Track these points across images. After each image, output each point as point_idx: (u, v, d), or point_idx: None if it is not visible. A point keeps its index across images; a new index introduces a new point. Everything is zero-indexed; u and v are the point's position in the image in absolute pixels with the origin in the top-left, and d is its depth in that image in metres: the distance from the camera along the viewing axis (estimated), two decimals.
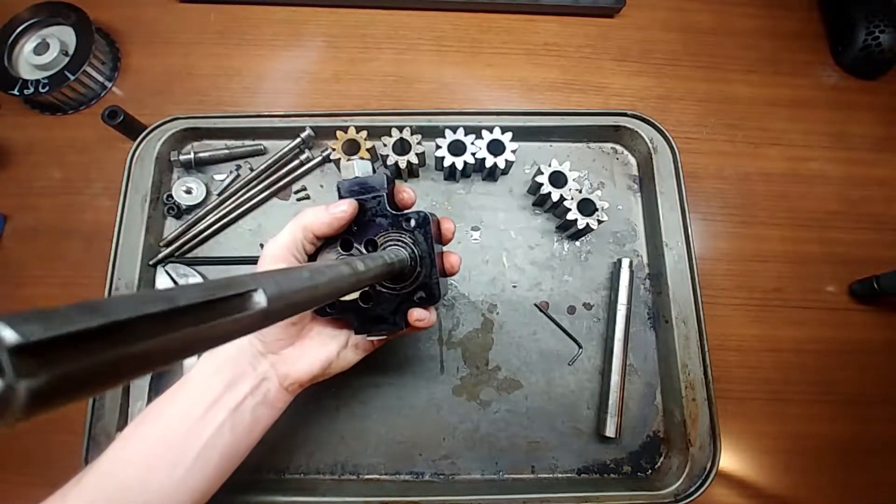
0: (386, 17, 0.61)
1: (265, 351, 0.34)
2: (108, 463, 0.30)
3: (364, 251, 0.34)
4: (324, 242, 0.34)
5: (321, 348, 0.35)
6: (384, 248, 0.33)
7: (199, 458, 0.31)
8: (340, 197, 0.34)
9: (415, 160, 0.49)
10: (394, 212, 0.33)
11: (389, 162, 0.48)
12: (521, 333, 0.49)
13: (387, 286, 0.33)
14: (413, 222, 0.33)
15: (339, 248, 0.34)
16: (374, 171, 0.35)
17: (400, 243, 0.33)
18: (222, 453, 0.32)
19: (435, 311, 0.36)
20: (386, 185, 0.34)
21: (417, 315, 0.34)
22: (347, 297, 0.33)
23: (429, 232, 0.33)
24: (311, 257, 0.34)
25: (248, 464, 0.47)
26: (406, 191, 0.36)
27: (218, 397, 0.32)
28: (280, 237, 0.33)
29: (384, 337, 0.35)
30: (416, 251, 0.33)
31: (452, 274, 0.37)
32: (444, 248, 0.37)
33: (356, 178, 0.34)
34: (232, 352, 0.33)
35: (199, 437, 0.31)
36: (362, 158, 0.35)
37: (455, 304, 0.50)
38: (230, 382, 0.32)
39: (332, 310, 0.34)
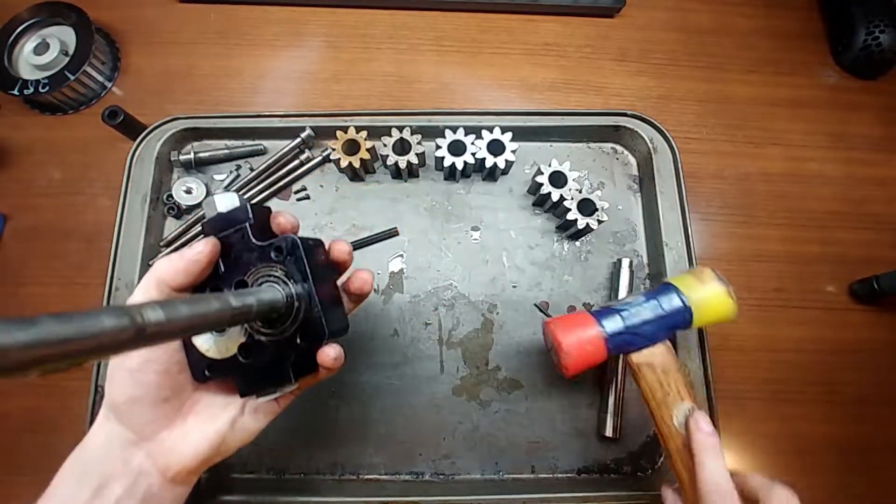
0: (386, 17, 0.61)
1: (137, 439, 0.28)
2: None
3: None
4: (192, 291, 0.29)
5: (208, 423, 0.29)
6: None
7: None
8: (205, 236, 0.29)
9: (415, 160, 0.49)
10: (259, 242, 0.28)
11: (389, 162, 0.49)
12: (521, 333, 0.49)
13: (265, 332, 0.28)
14: (278, 252, 0.28)
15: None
16: (241, 202, 0.30)
17: (272, 279, 0.28)
18: None
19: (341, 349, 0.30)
20: (249, 215, 0.29)
21: (322, 356, 0.28)
22: (222, 355, 0.28)
23: (300, 258, 0.27)
24: None
25: (247, 464, 0.47)
26: (283, 215, 0.30)
27: None
28: (134, 297, 0.28)
29: (277, 396, 0.29)
30: (290, 286, 0.27)
31: (362, 295, 0.32)
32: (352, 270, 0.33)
33: (219, 214, 0.30)
34: (96, 450, 0.28)
35: None
36: (227, 190, 0.30)
37: (455, 304, 0.50)
38: (98, 488, 0.26)
39: (211, 373, 0.28)
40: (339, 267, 0.32)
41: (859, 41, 0.58)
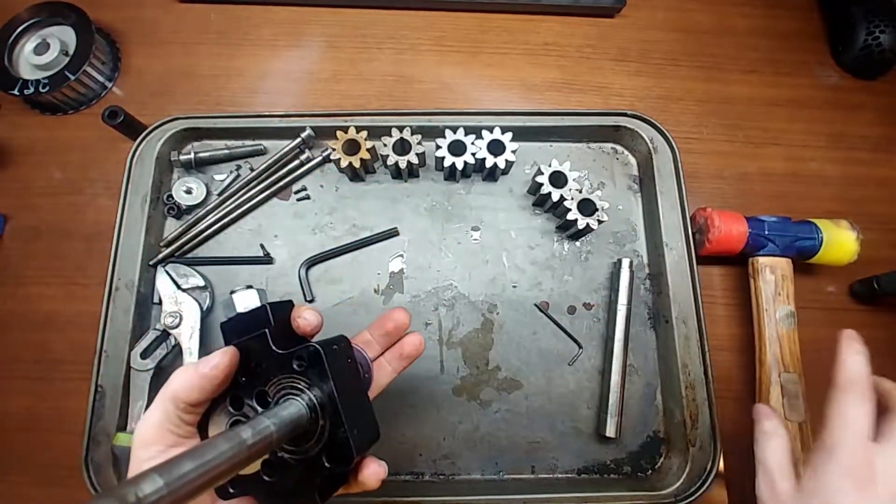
0: (386, 17, 0.61)
1: None
2: None
3: (256, 407, 0.27)
4: (211, 403, 0.27)
5: None
6: (277, 402, 0.26)
7: None
8: (225, 340, 0.28)
9: (415, 160, 0.49)
10: (280, 351, 0.26)
11: (389, 162, 0.49)
12: (521, 333, 0.49)
13: (288, 449, 0.26)
14: (300, 363, 0.26)
15: (229, 408, 0.27)
16: (262, 301, 0.29)
17: (293, 391, 0.26)
18: None
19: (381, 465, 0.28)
20: (270, 318, 0.28)
21: (365, 477, 0.27)
22: (247, 470, 0.25)
23: (325, 371, 0.25)
24: (202, 424, 0.28)
25: None
26: (303, 315, 0.29)
27: None
28: (149, 415, 0.26)
29: None
30: (314, 399, 0.25)
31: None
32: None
33: (238, 314, 0.29)
34: None
35: None
36: (249, 287, 0.29)
37: (455, 304, 0.50)
38: None
39: (234, 489, 0.27)
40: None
41: (859, 41, 0.58)
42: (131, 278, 0.47)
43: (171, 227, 0.51)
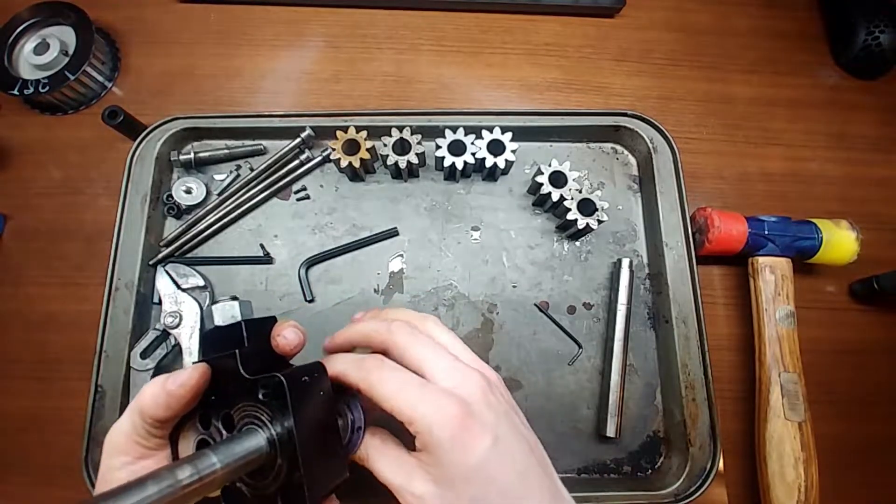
0: (386, 17, 0.61)
1: None
2: None
3: (222, 430, 0.25)
4: (183, 417, 0.26)
5: None
6: (240, 429, 0.24)
7: None
8: (202, 351, 0.28)
9: (415, 160, 0.49)
10: (247, 376, 0.24)
11: (389, 162, 0.48)
12: (521, 333, 0.49)
13: (245, 481, 0.25)
14: (265, 392, 0.24)
15: (198, 425, 0.26)
16: (242, 315, 0.27)
17: (256, 422, 0.24)
18: None
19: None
20: (244, 338, 0.26)
21: None
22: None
23: (287, 406, 0.23)
24: (174, 435, 0.27)
25: None
26: (283, 334, 0.27)
27: None
28: (120, 424, 0.26)
29: None
30: (273, 432, 0.23)
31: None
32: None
33: (216, 327, 0.27)
34: None
35: None
36: (234, 299, 0.27)
37: (455, 304, 0.50)
38: None
39: None
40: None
41: (859, 41, 0.58)
42: (131, 278, 0.47)
43: (171, 226, 0.51)
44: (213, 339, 0.27)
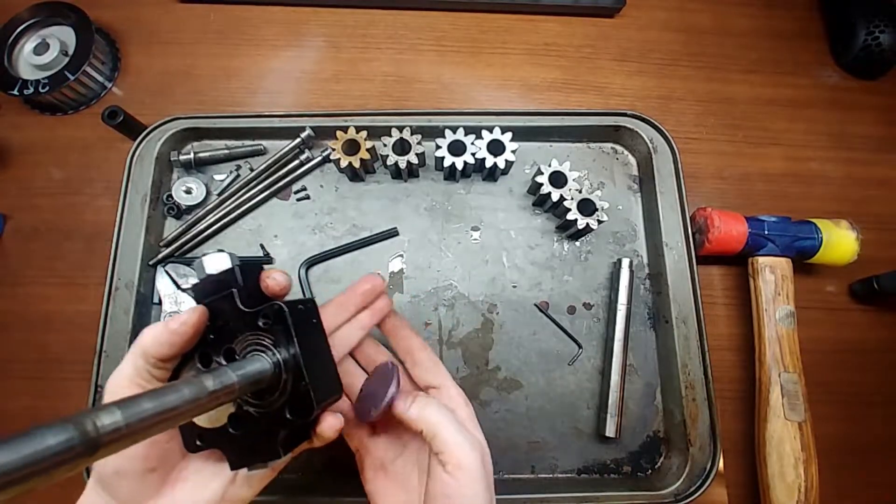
0: (386, 17, 0.61)
1: None
2: None
3: (224, 364, 0.27)
4: (182, 360, 0.28)
5: (199, 491, 0.28)
6: (244, 357, 0.27)
7: None
8: (196, 301, 0.29)
9: (415, 160, 0.49)
10: (247, 309, 0.27)
11: (389, 162, 0.48)
12: (521, 333, 0.49)
13: (252, 403, 0.27)
14: (265, 320, 0.27)
15: (198, 364, 0.28)
16: (233, 263, 0.29)
17: (259, 348, 0.27)
18: None
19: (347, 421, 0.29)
20: (238, 279, 0.28)
21: (323, 430, 0.28)
22: (213, 424, 0.27)
23: (289, 328, 0.26)
24: (173, 380, 0.28)
25: None
26: (272, 276, 0.30)
27: None
28: (121, 369, 0.27)
29: (267, 469, 0.28)
30: (278, 355, 0.26)
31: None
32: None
33: (209, 276, 0.29)
34: None
35: None
36: (221, 251, 0.30)
37: (455, 304, 0.50)
38: None
39: (202, 442, 0.28)
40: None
41: (859, 41, 0.58)
42: (131, 278, 0.47)
43: (171, 226, 0.51)
44: (205, 289, 0.29)
